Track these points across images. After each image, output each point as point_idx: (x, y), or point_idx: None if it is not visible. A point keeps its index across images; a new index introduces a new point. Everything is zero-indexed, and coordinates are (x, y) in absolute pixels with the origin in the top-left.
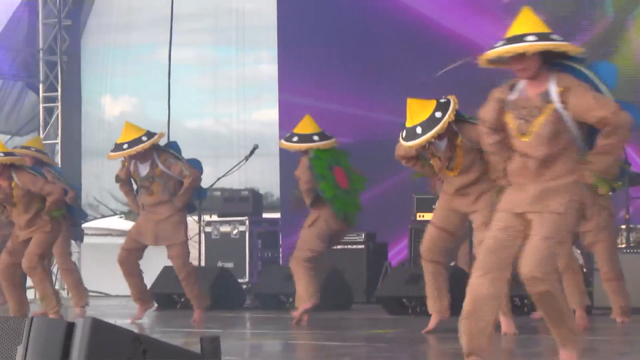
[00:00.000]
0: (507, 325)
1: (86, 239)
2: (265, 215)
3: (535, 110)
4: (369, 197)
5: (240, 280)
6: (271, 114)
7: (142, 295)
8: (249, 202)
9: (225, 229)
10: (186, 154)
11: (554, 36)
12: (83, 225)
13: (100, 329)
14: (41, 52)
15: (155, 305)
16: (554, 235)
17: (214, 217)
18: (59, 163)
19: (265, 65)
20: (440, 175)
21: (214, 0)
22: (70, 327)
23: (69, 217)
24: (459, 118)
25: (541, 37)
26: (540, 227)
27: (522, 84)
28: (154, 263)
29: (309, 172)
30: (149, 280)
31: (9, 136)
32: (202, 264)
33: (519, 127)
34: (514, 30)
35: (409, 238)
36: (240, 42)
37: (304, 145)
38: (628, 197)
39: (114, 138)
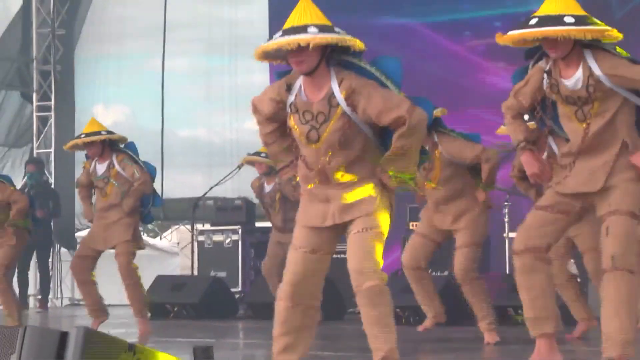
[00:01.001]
0: (489, 336)
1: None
2: (258, 224)
3: (322, 116)
4: None
5: (233, 290)
6: None
7: (97, 306)
8: (242, 211)
9: (218, 238)
10: (179, 162)
11: (337, 29)
12: (76, 235)
13: (93, 339)
14: (35, 61)
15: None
16: (372, 227)
17: (207, 226)
18: (53, 172)
19: (257, 75)
20: (422, 188)
21: (206, 10)
22: (64, 336)
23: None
24: (441, 130)
25: (323, 29)
26: (355, 226)
27: (299, 83)
28: (148, 273)
29: None
30: None
31: (6, 148)
32: (195, 273)
33: (307, 134)
34: (292, 21)
35: (402, 248)
36: (232, 51)
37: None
38: None
39: None
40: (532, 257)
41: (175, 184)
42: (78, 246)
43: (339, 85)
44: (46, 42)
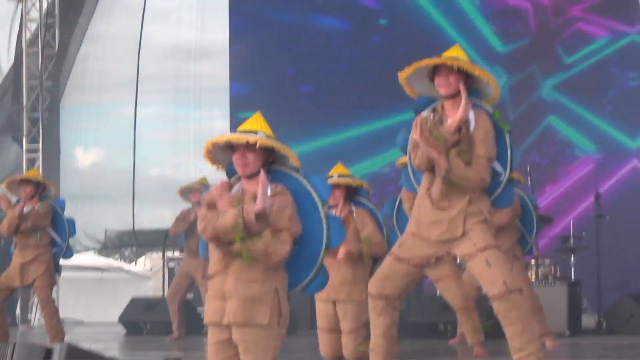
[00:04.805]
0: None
1: (63, 273)
2: None
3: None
4: None
5: (199, 309)
6: None
7: (3, 332)
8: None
9: None
10: (149, 198)
11: (279, 142)
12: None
13: (75, 353)
14: (25, 109)
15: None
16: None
17: (176, 254)
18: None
19: (218, 121)
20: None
21: (174, 64)
22: (49, 352)
23: None
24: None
25: (269, 137)
26: (246, 355)
27: (238, 185)
28: (124, 295)
29: None
30: (118, 309)
31: None
32: (166, 294)
33: None
34: (246, 125)
35: None
36: (197, 101)
37: None
38: (537, 237)
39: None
40: (384, 304)
41: (146, 217)
42: None
43: (270, 192)
44: (35, 92)
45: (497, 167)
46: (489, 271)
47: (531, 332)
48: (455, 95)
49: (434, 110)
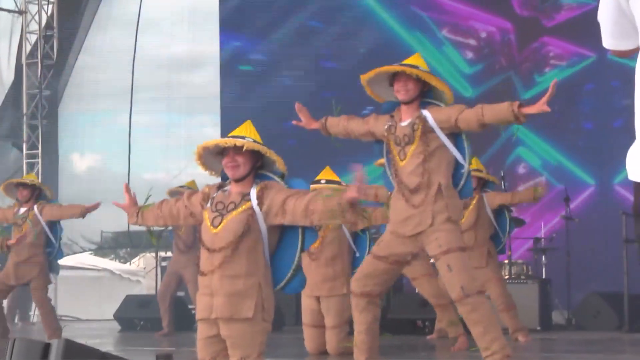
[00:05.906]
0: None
1: (61, 272)
2: None
3: (231, 205)
4: None
5: (190, 307)
6: None
7: (3, 330)
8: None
9: None
10: (143, 200)
11: (266, 147)
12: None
13: (72, 348)
14: (25, 117)
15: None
16: (249, 354)
17: (169, 254)
18: None
19: (209, 129)
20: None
21: (166, 74)
22: (47, 347)
23: None
24: None
25: (257, 142)
26: (233, 350)
27: (229, 187)
28: (118, 292)
29: None
30: (113, 307)
31: None
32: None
33: (212, 220)
34: (236, 131)
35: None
36: (188, 109)
37: None
38: (510, 238)
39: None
40: (366, 301)
41: None
42: None
43: (256, 189)
44: (34, 101)
45: (459, 158)
46: (449, 275)
47: (494, 331)
48: (412, 101)
49: (392, 117)
